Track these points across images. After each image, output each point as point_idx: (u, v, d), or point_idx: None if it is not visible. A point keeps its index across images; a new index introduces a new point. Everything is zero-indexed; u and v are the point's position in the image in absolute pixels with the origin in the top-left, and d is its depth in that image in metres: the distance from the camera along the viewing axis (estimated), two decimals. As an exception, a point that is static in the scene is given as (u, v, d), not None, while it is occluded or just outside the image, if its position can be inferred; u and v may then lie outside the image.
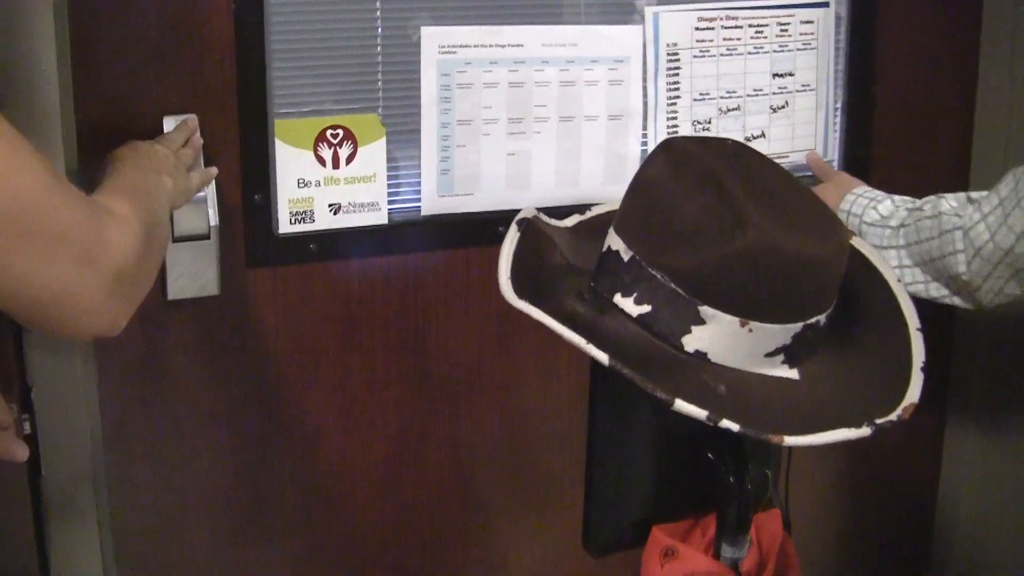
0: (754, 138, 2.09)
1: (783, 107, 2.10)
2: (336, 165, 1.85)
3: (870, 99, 2.18)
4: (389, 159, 1.89)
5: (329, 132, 1.84)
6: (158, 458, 1.86)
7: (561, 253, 1.47)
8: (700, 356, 1.32)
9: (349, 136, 1.85)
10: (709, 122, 2.06)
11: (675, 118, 2.03)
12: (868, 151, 2.20)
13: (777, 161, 1.42)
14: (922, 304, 1.54)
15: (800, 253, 1.28)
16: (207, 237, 1.69)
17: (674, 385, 1.26)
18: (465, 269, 1.97)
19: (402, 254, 1.93)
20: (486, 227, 1.93)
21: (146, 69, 1.69)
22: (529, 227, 1.50)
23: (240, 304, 1.85)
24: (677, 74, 2.01)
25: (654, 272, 1.32)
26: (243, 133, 1.77)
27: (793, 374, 1.36)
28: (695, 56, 2.02)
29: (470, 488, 2.09)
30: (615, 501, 1.61)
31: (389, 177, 1.90)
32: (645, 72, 1.99)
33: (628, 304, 1.34)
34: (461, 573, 2.14)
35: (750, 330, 1.31)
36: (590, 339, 1.28)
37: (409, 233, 1.92)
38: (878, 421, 1.30)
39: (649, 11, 1.96)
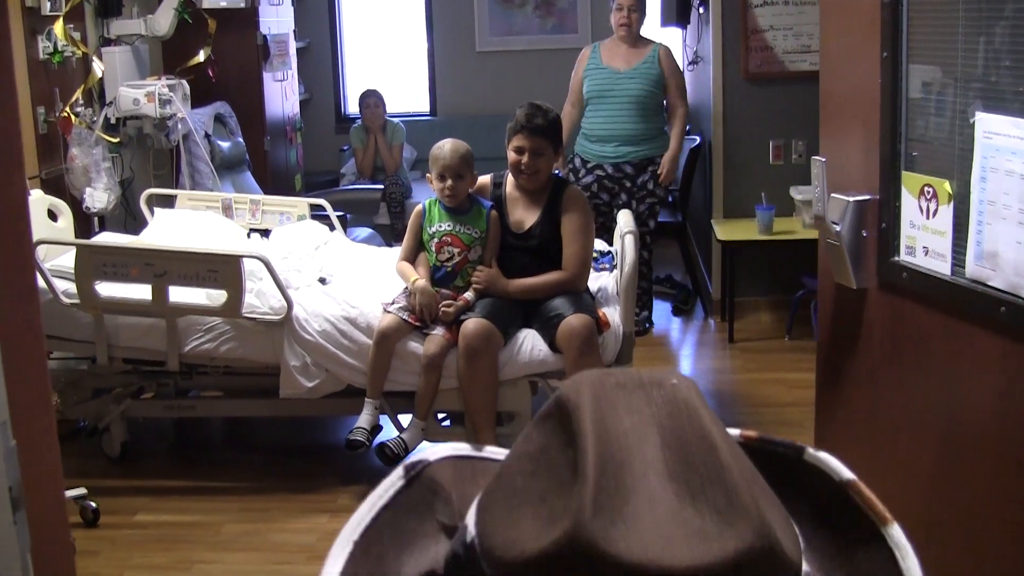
0: None
1: None
2: (927, 216, 2.32)
3: None
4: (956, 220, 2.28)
5: (925, 187, 2.32)
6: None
7: (455, 511, 1.07)
8: None
9: (935, 195, 2.30)
10: None
11: None
12: None
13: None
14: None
15: (649, 566, 0.85)
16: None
17: None
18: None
19: (953, 299, 2.33)
20: (998, 305, 2.19)
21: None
22: (424, 474, 1.09)
23: (871, 298, 2.55)
24: None
25: (484, 564, 0.96)
26: (881, 179, 2.47)
27: None
28: None
29: None
30: None
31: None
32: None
33: None
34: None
35: None
36: None
37: (957, 290, 2.30)
38: None
39: None
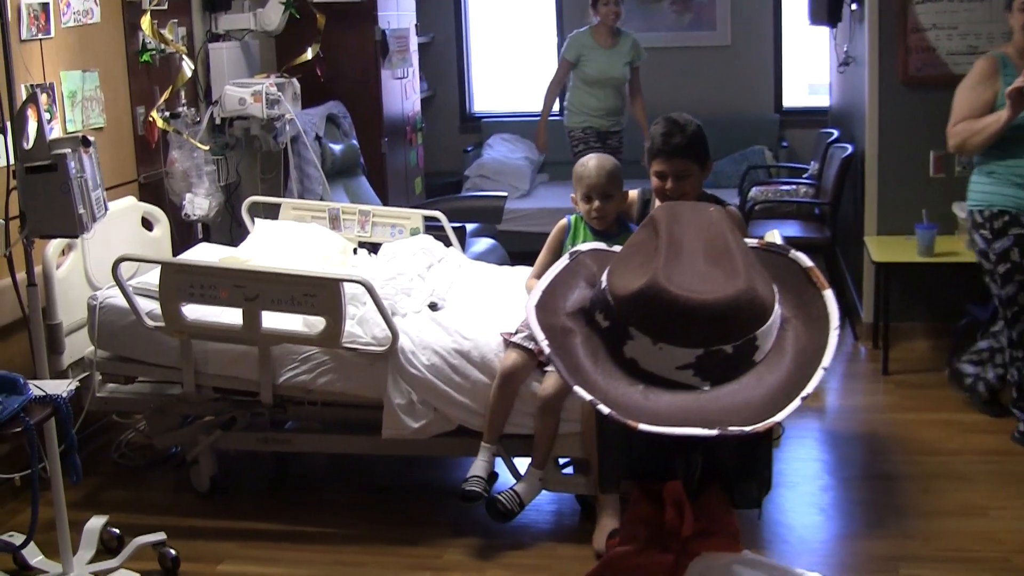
0: None
1: None
2: None
3: None
4: None
5: None
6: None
7: (595, 276, 2.24)
8: (633, 362, 2.07)
9: None
10: None
11: None
12: None
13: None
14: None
15: (688, 297, 2.00)
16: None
17: (598, 379, 2.05)
18: None
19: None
20: None
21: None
22: (579, 258, 2.34)
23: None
24: None
25: (609, 297, 2.10)
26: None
27: (705, 385, 2.02)
28: None
29: None
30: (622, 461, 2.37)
31: None
32: None
33: (600, 319, 2.13)
34: None
35: (660, 348, 2.02)
36: (552, 340, 2.12)
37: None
38: (731, 429, 1.93)
39: None
